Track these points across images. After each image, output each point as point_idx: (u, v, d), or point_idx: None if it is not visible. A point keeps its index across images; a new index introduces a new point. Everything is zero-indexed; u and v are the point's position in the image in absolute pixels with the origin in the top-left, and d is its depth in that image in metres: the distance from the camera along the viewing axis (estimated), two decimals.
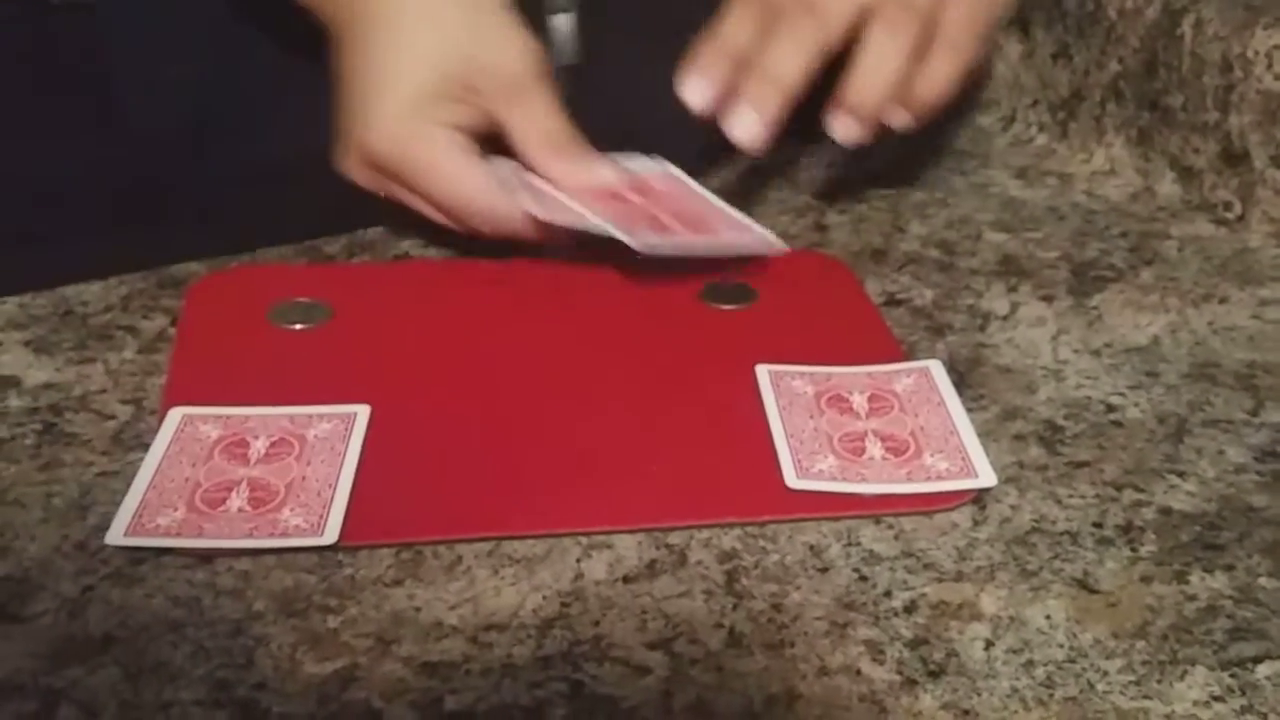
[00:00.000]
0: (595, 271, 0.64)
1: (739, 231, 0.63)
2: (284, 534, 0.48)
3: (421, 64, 0.61)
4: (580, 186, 0.62)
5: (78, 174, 0.68)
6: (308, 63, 0.65)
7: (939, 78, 0.63)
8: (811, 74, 0.62)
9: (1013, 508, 0.51)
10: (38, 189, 0.69)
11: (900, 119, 0.64)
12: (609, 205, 0.61)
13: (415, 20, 0.61)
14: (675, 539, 0.49)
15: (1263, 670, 0.44)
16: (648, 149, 0.75)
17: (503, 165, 0.62)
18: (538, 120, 0.62)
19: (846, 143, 0.63)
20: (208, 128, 0.72)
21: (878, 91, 0.62)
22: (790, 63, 0.62)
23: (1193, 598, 0.47)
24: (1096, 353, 0.60)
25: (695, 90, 0.63)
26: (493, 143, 0.62)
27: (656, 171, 0.66)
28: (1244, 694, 0.43)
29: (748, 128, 0.62)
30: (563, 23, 0.74)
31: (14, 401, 0.56)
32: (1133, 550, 0.49)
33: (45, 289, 0.63)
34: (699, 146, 0.67)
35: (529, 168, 0.62)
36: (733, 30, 0.64)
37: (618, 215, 0.61)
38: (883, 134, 0.65)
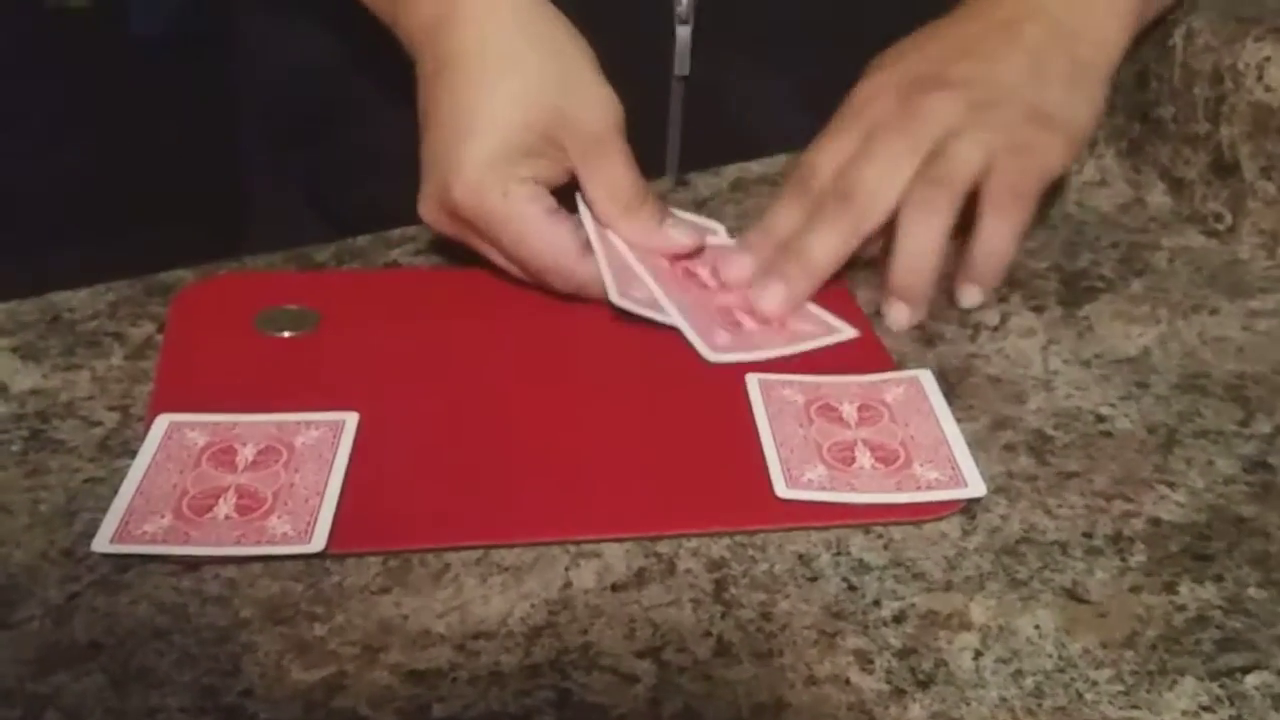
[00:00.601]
0: None
1: (813, 325, 0.62)
2: (271, 541, 0.48)
3: (507, 112, 0.60)
4: (651, 247, 0.63)
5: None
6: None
7: (992, 247, 0.63)
8: (843, 259, 0.63)
9: (1002, 518, 0.51)
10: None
11: (970, 297, 0.64)
12: (686, 291, 0.62)
13: (499, 65, 0.61)
14: (664, 548, 0.49)
15: (1251, 680, 0.44)
16: (755, 157, 0.75)
17: (585, 216, 0.62)
18: (615, 178, 0.62)
19: (901, 327, 0.63)
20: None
21: (921, 275, 0.63)
22: (822, 248, 0.63)
23: (1182, 608, 0.47)
24: (1086, 363, 0.60)
25: (736, 266, 0.64)
26: (564, 191, 0.62)
27: (730, 243, 0.66)
28: (1233, 704, 0.43)
29: (773, 299, 0.63)
30: (681, 35, 0.75)
31: (0, 408, 0.55)
32: (1122, 560, 0.49)
33: (33, 295, 0.63)
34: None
35: (602, 224, 0.62)
36: (778, 218, 0.65)
37: (693, 307, 0.61)
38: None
